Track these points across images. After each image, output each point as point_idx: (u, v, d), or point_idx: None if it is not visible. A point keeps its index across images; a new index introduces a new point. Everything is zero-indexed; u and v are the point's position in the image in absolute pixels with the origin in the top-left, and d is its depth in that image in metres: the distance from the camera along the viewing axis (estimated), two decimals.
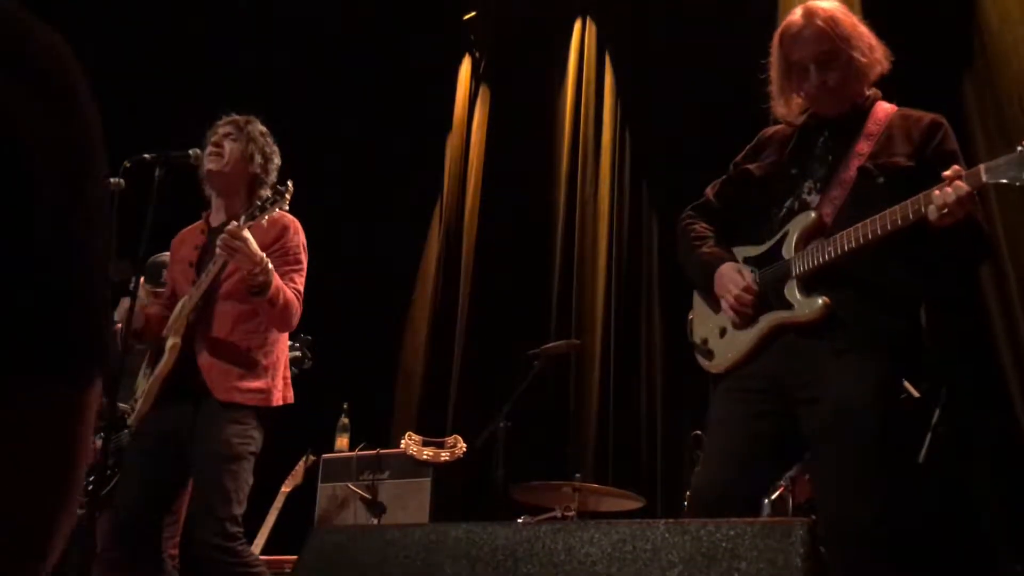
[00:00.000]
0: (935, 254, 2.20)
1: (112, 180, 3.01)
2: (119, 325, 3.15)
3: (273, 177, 3.25)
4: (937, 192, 2.06)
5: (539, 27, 6.20)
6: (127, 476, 3.09)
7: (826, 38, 2.31)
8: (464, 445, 4.39)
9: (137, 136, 3.18)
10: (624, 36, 5.79)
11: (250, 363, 3.03)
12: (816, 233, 2.31)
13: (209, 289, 3.07)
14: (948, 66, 4.20)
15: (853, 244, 2.19)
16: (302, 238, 3.22)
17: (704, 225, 2.58)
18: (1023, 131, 3.78)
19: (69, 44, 0.63)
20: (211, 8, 5.71)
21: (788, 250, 2.34)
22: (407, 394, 6.06)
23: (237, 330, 3.04)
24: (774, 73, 2.44)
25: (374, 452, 4.54)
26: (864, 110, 2.38)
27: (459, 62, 6.53)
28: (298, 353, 3.99)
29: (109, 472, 3.40)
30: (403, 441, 4.45)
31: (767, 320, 2.33)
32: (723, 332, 2.45)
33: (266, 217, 2.99)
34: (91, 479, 2.86)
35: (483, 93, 6.38)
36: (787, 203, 2.39)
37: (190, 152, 3.21)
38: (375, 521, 4.29)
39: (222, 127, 3.23)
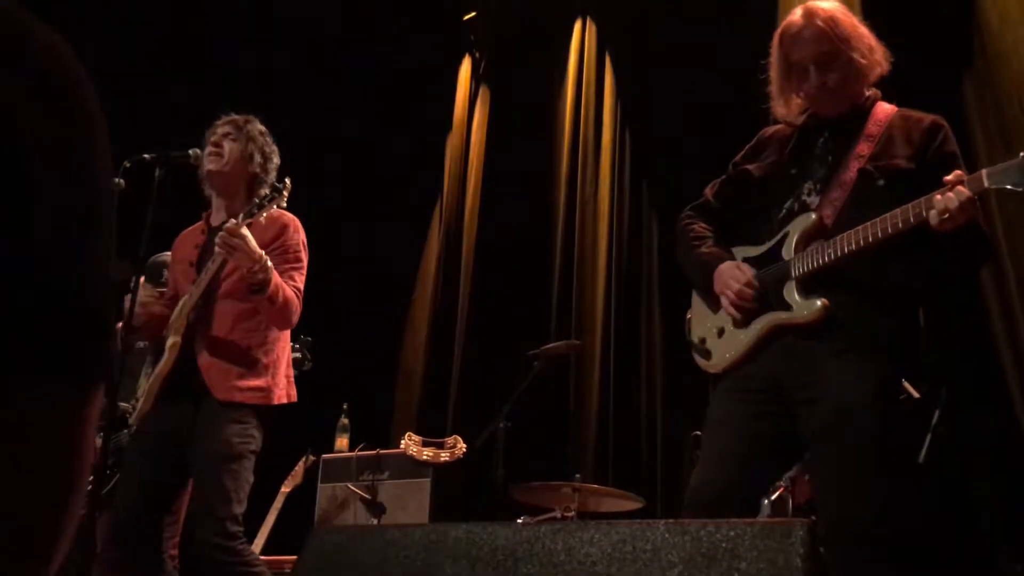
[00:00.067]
0: (935, 257, 2.20)
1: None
2: (119, 324, 3.15)
3: (273, 176, 3.25)
4: (938, 197, 2.05)
5: (539, 27, 6.20)
6: (127, 476, 3.08)
7: (826, 39, 2.31)
8: (464, 445, 4.39)
9: (137, 136, 3.18)
10: (624, 36, 5.79)
11: (250, 362, 3.03)
12: (816, 235, 2.30)
13: (209, 288, 3.07)
14: (948, 66, 4.20)
15: (853, 247, 2.19)
16: (302, 236, 3.21)
17: (703, 225, 2.58)
18: (1023, 131, 3.79)
19: (69, 44, 0.63)
20: (211, 8, 5.71)
21: (788, 251, 2.34)
22: (407, 394, 6.05)
23: (237, 329, 3.04)
24: (774, 73, 2.44)
25: (374, 452, 4.54)
26: (864, 111, 2.38)
27: (459, 62, 6.53)
28: (298, 355, 3.98)
29: (109, 472, 3.40)
30: (403, 441, 4.45)
31: (766, 321, 2.33)
32: (721, 332, 2.45)
33: (264, 214, 2.99)
34: (91, 479, 2.86)
35: (483, 93, 6.39)
36: (787, 204, 2.39)
37: (190, 152, 3.21)
38: (375, 521, 4.29)
39: (221, 127, 3.23)
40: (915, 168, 2.25)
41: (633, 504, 4.00)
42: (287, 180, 3.02)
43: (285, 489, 4.59)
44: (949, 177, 2.07)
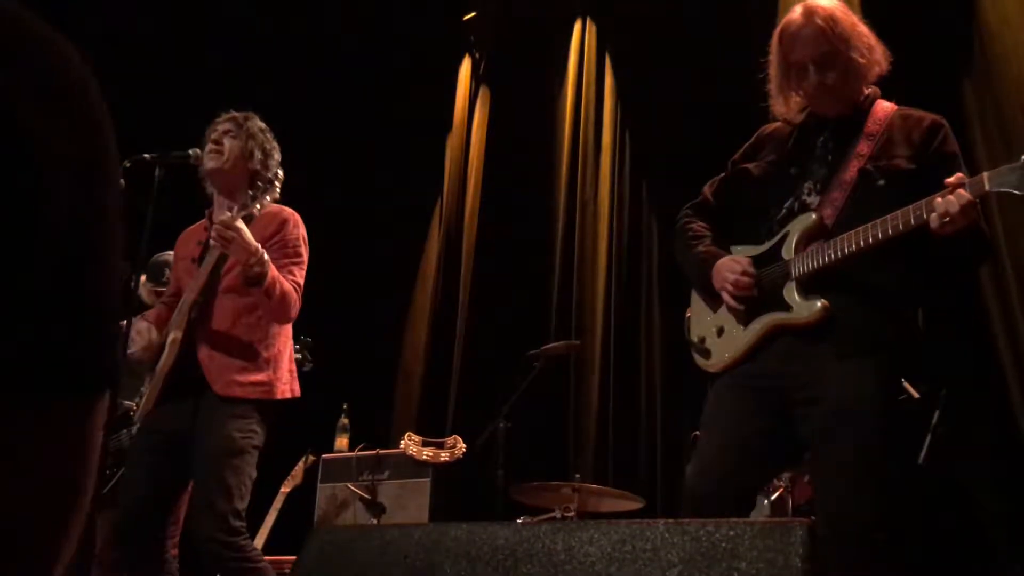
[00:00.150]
0: (935, 258, 2.20)
1: None
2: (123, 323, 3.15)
3: (274, 173, 3.24)
4: (939, 200, 2.05)
5: (539, 27, 6.20)
6: (131, 475, 3.07)
7: (825, 38, 2.31)
8: (464, 445, 4.38)
9: (137, 136, 3.18)
10: (624, 36, 5.79)
11: (251, 356, 3.02)
12: (816, 235, 2.30)
13: (210, 283, 3.07)
14: (948, 67, 4.20)
15: (853, 248, 2.18)
16: (302, 231, 3.21)
17: (701, 224, 2.58)
18: (1023, 132, 3.78)
19: (71, 44, 0.63)
20: (211, 8, 5.71)
21: (788, 251, 2.34)
22: (407, 394, 6.06)
23: (239, 324, 3.04)
24: (773, 71, 2.44)
25: (374, 452, 4.54)
26: (863, 109, 2.38)
27: (459, 62, 6.53)
28: (298, 356, 3.98)
29: (108, 472, 3.40)
30: (403, 441, 4.45)
31: (766, 320, 2.33)
32: (721, 331, 2.45)
33: (258, 205, 2.99)
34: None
35: (483, 93, 6.39)
36: (787, 203, 2.39)
37: (190, 152, 3.21)
38: (375, 521, 4.29)
39: (221, 124, 3.23)
40: (915, 168, 2.25)
41: (633, 504, 4.00)
42: (279, 171, 3.02)
43: (285, 489, 4.59)
44: (950, 180, 2.07)
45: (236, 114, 3.25)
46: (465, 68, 6.52)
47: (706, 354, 2.49)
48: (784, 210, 2.39)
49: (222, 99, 3.38)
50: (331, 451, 4.78)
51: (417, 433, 4.53)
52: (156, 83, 5.37)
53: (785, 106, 2.46)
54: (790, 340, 2.29)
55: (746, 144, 2.60)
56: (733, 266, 2.39)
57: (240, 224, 2.92)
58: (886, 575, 2.08)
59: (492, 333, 5.62)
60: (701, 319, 2.54)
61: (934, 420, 3.05)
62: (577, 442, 5.11)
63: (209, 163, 3.18)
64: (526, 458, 4.39)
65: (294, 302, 3.07)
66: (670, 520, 1.64)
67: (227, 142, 3.18)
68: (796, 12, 2.38)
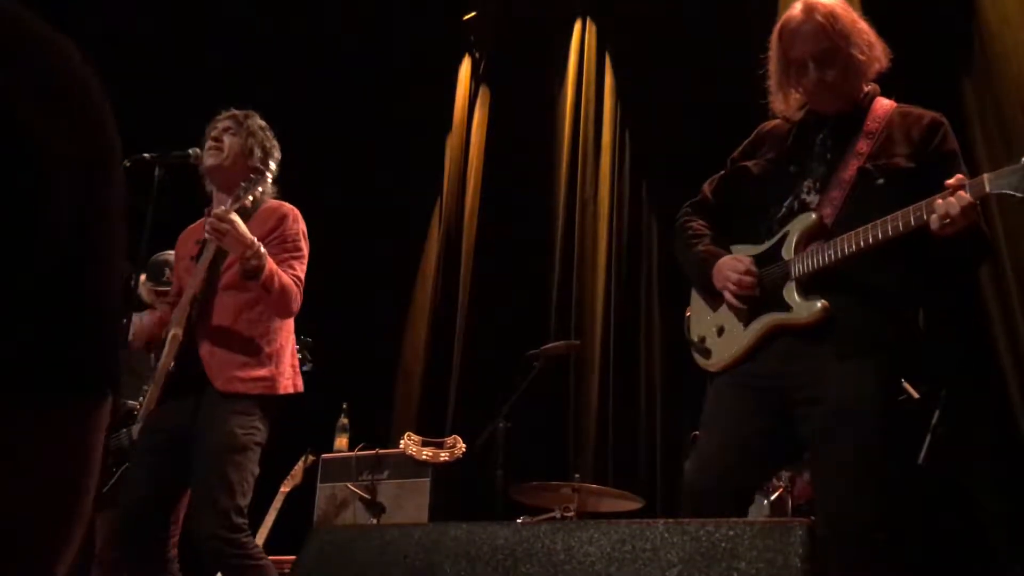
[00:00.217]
0: (935, 258, 2.20)
1: None
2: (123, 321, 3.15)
3: (274, 171, 3.24)
4: (940, 201, 2.05)
5: (539, 27, 6.20)
6: (133, 474, 3.06)
7: (825, 35, 2.30)
8: (463, 445, 4.38)
9: (137, 136, 3.18)
10: (624, 36, 5.79)
11: (252, 351, 3.01)
12: (816, 235, 2.30)
13: (210, 280, 3.06)
14: (948, 66, 4.20)
15: (853, 248, 2.18)
16: (302, 226, 3.20)
17: (701, 223, 2.57)
18: (1023, 132, 3.78)
19: (73, 43, 0.62)
20: (211, 8, 5.71)
21: (788, 251, 2.33)
22: (407, 394, 6.06)
23: (240, 320, 3.03)
24: (773, 67, 2.43)
25: (373, 452, 4.54)
26: (863, 107, 2.37)
27: (459, 62, 6.53)
28: (298, 356, 3.98)
29: (107, 472, 3.39)
30: (402, 441, 4.45)
31: (766, 321, 2.33)
32: (721, 331, 2.45)
33: (250, 197, 2.98)
34: None
35: (483, 93, 6.39)
36: (786, 202, 2.38)
37: (190, 151, 3.21)
38: (374, 521, 4.28)
39: (221, 122, 3.23)
40: (915, 167, 2.25)
41: (632, 504, 4.00)
42: (269, 162, 3.02)
43: (284, 489, 4.59)
44: (951, 181, 2.07)
45: (236, 112, 3.25)
46: (465, 68, 6.52)
47: (706, 353, 2.48)
48: (784, 209, 2.38)
49: (222, 99, 3.38)
50: (331, 451, 4.78)
51: (417, 433, 4.53)
52: (156, 83, 5.37)
53: (784, 103, 2.46)
54: (790, 340, 2.29)
55: (745, 142, 2.60)
56: (736, 265, 2.38)
57: (234, 216, 2.91)
58: (886, 575, 2.08)
59: (492, 333, 5.62)
60: (701, 318, 2.54)
61: (934, 420, 3.05)
62: (577, 442, 5.11)
63: (209, 160, 3.18)
64: (526, 458, 4.39)
65: (295, 295, 3.05)
66: (670, 520, 1.64)
67: (227, 139, 3.18)
68: (796, 8, 2.37)
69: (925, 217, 2.08)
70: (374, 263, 6.18)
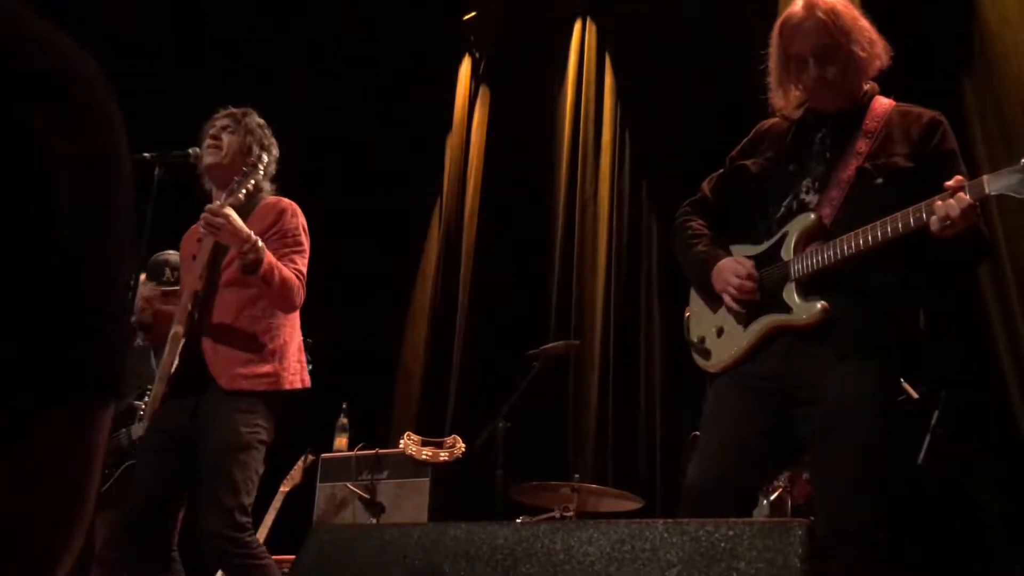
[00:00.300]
0: (935, 259, 2.19)
1: None
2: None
3: (272, 169, 3.24)
4: (939, 203, 2.05)
5: (539, 27, 6.20)
6: (139, 474, 3.05)
7: (826, 31, 2.29)
8: (463, 445, 4.38)
9: (137, 136, 3.17)
10: (624, 36, 5.79)
11: (255, 348, 3.00)
12: (815, 235, 2.30)
13: (210, 278, 3.06)
14: (948, 66, 4.20)
15: (853, 249, 2.18)
16: (301, 220, 3.19)
17: (700, 222, 2.57)
18: (1023, 132, 3.78)
19: (74, 42, 0.62)
20: (211, 8, 5.71)
21: (787, 252, 2.33)
22: (406, 394, 6.06)
23: (242, 316, 3.02)
24: (773, 64, 2.42)
25: (373, 452, 4.54)
26: (862, 105, 2.37)
27: (459, 62, 6.53)
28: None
29: (107, 471, 3.39)
30: (402, 441, 4.45)
31: (766, 322, 2.32)
32: (721, 332, 2.44)
33: (243, 191, 2.98)
34: None
35: (483, 93, 6.39)
36: (785, 202, 2.38)
37: (190, 151, 3.21)
38: (374, 521, 4.28)
39: (219, 120, 3.23)
40: (914, 166, 2.25)
41: (632, 504, 4.00)
42: (262, 155, 3.02)
43: (284, 488, 4.58)
44: (950, 183, 2.06)
45: (234, 110, 3.25)
46: (465, 68, 6.52)
47: (706, 354, 2.48)
48: (783, 208, 2.38)
49: (222, 99, 3.38)
50: (330, 450, 4.77)
51: (416, 432, 4.53)
52: (156, 83, 5.37)
53: (784, 100, 2.45)
54: (790, 341, 2.29)
55: (744, 140, 2.59)
56: (737, 269, 2.37)
57: (228, 211, 2.91)
58: (886, 575, 2.08)
59: (492, 333, 5.62)
60: (701, 319, 2.54)
61: (934, 420, 3.05)
62: (576, 442, 5.11)
63: (208, 158, 3.18)
64: (525, 458, 4.39)
65: (297, 289, 3.04)
66: (669, 520, 1.63)
67: (225, 137, 3.18)
68: (798, 5, 2.36)
69: (925, 218, 2.07)
70: (374, 263, 6.18)
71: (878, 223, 2.14)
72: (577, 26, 6.01)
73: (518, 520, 3.66)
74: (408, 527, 2.10)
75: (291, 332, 3.15)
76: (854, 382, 2.15)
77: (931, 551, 3.28)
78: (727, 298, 2.38)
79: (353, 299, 5.91)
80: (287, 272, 3.01)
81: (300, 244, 3.15)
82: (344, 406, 4.95)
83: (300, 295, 3.07)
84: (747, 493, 2.41)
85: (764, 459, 2.36)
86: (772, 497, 3.46)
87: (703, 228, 2.55)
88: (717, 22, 5.00)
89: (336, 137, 6.08)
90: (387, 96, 6.26)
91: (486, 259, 5.92)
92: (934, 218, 2.05)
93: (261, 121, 3.27)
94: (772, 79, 2.44)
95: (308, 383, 3.12)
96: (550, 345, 4.34)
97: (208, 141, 3.19)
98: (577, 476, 4.14)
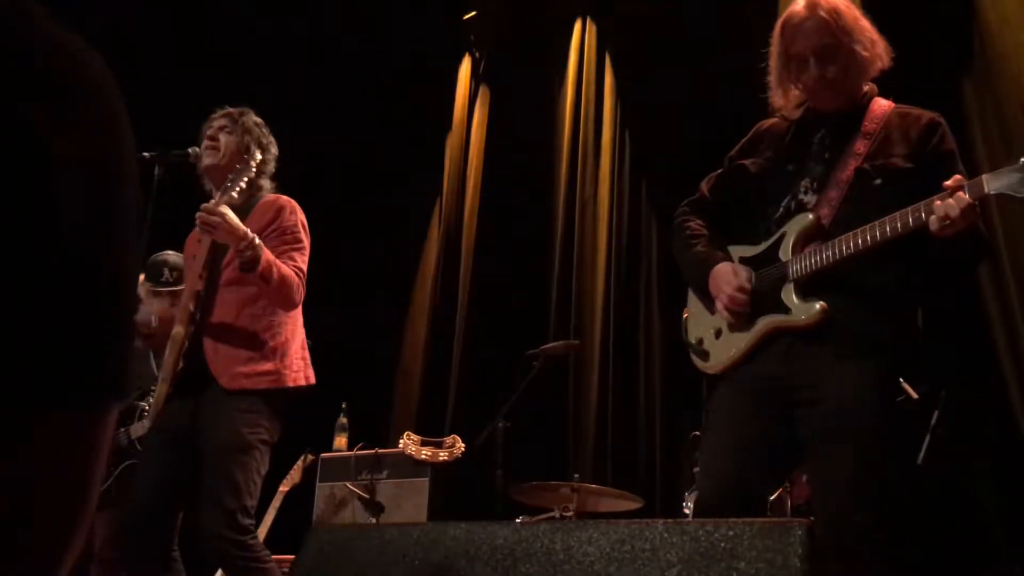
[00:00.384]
0: (934, 259, 2.19)
1: None
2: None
3: (271, 167, 3.24)
4: (939, 203, 2.04)
5: (539, 27, 6.20)
6: (141, 474, 3.05)
7: (828, 30, 2.29)
8: (463, 445, 4.38)
9: (137, 135, 3.17)
10: (624, 36, 5.79)
11: (256, 346, 2.99)
12: (814, 235, 2.29)
13: (211, 277, 3.06)
14: (948, 66, 4.20)
15: (851, 249, 2.18)
16: (300, 217, 3.19)
17: (699, 222, 2.56)
18: (1023, 132, 3.78)
19: (80, 41, 0.62)
20: (211, 8, 5.71)
21: (785, 252, 2.33)
22: (406, 393, 6.06)
23: (242, 315, 3.01)
24: (773, 63, 2.42)
25: (372, 452, 4.54)
26: (862, 106, 2.37)
27: (459, 62, 6.54)
28: None
29: (107, 471, 3.39)
30: (401, 441, 4.45)
31: (764, 323, 2.32)
32: (719, 333, 2.44)
33: (237, 188, 2.98)
34: None
35: (483, 93, 6.39)
36: (784, 202, 2.37)
37: (189, 151, 3.21)
38: (373, 521, 4.28)
39: (217, 120, 3.23)
40: (913, 167, 2.24)
41: (632, 504, 4.00)
42: (255, 151, 3.02)
43: (283, 488, 4.59)
44: (949, 183, 2.06)
45: (231, 109, 3.25)
46: (465, 68, 6.52)
47: (704, 356, 2.48)
48: (781, 209, 2.37)
49: (222, 98, 3.38)
50: (330, 450, 4.78)
51: (416, 432, 4.53)
52: (156, 83, 5.36)
53: (784, 99, 2.45)
54: (789, 341, 2.28)
55: (743, 140, 2.59)
56: (731, 279, 2.36)
57: (224, 209, 2.90)
58: (886, 575, 2.08)
59: (491, 333, 5.62)
60: (699, 320, 2.53)
61: (934, 420, 3.05)
62: (576, 442, 5.11)
63: (206, 159, 3.18)
64: (525, 458, 4.39)
65: (296, 286, 3.03)
66: (669, 520, 1.64)
67: (223, 138, 3.18)
68: (799, 4, 2.35)
69: (924, 218, 2.07)
70: (374, 263, 6.18)
71: (877, 223, 2.14)
72: (577, 26, 6.02)
73: (518, 520, 3.66)
74: (408, 527, 2.10)
75: (293, 330, 3.14)
76: (853, 382, 2.15)
77: (931, 551, 3.28)
78: (719, 304, 2.38)
79: (353, 299, 5.91)
80: (286, 270, 3.00)
81: (299, 241, 3.14)
82: (344, 406, 4.95)
83: (300, 292, 3.06)
84: (752, 496, 2.39)
85: (765, 461, 2.35)
86: (772, 497, 3.46)
87: (702, 228, 2.55)
88: (717, 22, 5.01)
89: (336, 137, 6.08)
90: (387, 96, 6.26)
91: (486, 259, 5.92)
92: (933, 217, 2.05)
93: (259, 120, 3.26)
94: (772, 78, 2.44)
95: (313, 380, 3.12)
96: (550, 345, 4.34)
97: (206, 142, 3.19)
98: (577, 476, 4.15)
